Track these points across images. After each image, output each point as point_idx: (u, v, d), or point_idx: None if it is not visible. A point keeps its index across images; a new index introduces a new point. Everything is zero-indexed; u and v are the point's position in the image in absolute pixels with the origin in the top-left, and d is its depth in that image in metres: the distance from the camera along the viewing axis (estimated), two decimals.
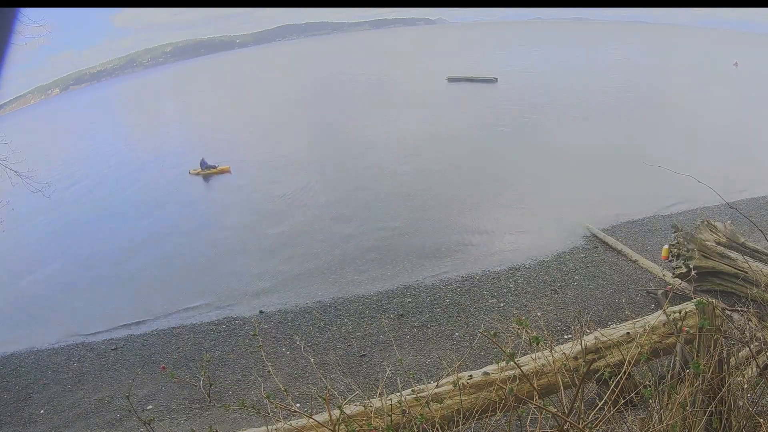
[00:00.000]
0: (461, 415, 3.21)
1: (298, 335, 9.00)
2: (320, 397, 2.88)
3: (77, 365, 9.11)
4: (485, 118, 27.69)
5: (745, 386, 3.10)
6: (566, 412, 2.51)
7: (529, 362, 3.70)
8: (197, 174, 21.83)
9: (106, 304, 11.60)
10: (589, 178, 17.02)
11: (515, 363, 2.59)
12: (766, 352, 3.73)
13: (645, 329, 3.82)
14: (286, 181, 19.38)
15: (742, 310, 4.56)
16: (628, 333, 4.03)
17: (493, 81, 40.45)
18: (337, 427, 2.66)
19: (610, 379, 2.57)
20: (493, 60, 57.93)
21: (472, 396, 3.63)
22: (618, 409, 2.53)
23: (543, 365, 3.47)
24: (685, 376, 2.93)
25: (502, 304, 9.43)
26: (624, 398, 2.60)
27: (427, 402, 3.20)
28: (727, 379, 2.95)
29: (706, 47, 70.61)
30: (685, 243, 8.57)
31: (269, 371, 4.12)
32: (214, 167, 21.74)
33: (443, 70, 46.69)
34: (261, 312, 10.23)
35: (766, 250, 8.28)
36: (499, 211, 14.75)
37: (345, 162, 21.45)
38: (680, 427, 2.59)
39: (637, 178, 15.59)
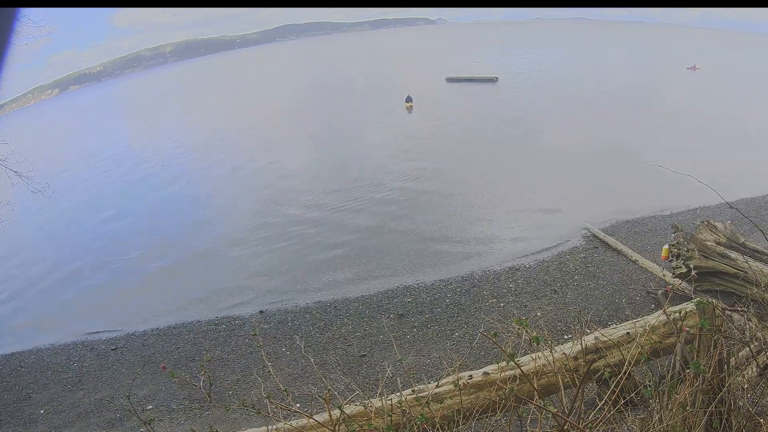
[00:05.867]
0: (461, 415, 3.21)
1: (298, 335, 9.00)
2: (320, 397, 2.88)
3: (77, 365, 9.11)
4: (485, 117, 27.70)
5: (745, 386, 3.10)
6: (566, 412, 2.51)
7: (529, 362, 3.70)
8: (410, 107, 31.41)
9: (109, 304, 11.62)
10: (589, 177, 17.04)
11: (515, 363, 2.59)
12: (766, 352, 3.73)
13: (645, 329, 3.82)
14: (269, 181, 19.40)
15: (742, 310, 4.56)
16: (628, 333, 4.03)
17: (493, 81, 40.38)
18: (337, 427, 2.66)
19: (610, 379, 2.57)
20: (493, 60, 57.94)
21: (473, 396, 3.63)
22: (618, 409, 2.54)
23: (543, 365, 3.47)
24: (685, 376, 2.93)
25: (502, 304, 9.42)
26: (624, 398, 2.60)
27: (427, 402, 3.20)
28: (727, 379, 2.94)
29: (704, 47, 70.62)
30: (685, 243, 8.57)
31: (269, 371, 4.14)
32: (411, 101, 31.86)
33: (442, 70, 46.68)
34: (261, 312, 10.22)
35: (766, 250, 8.28)
36: (499, 211, 14.74)
37: (345, 162, 21.46)
38: (680, 427, 2.59)
39: (637, 178, 15.61)
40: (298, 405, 6.09)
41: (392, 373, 5.37)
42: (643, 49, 67.84)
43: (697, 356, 3.17)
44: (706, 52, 60.96)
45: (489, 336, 2.61)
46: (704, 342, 3.24)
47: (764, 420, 2.74)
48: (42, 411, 7.90)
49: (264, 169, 21.72)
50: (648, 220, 12.94)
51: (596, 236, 12.09)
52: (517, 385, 3.09)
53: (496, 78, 40.57)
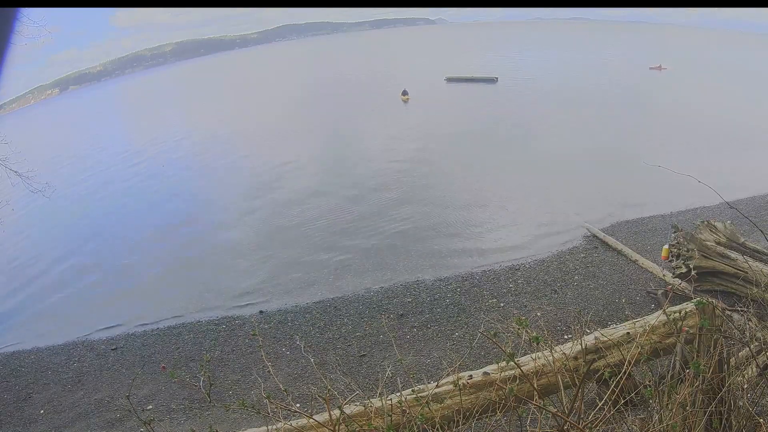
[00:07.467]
0: (461, 415, 3.20)
1: (298, 335, 9.00)
2: (320, 397, 2.88)
3: (77, 365, 9.11)
4: (485, 117, 27.71)
5: (745, 386, 3.10)
6: (566, 412, 2.51)
7: (529, 362, 3.69)
8: (406, 99, 34.19)
9: (108, 303, 11.62)
10: (588, 177, 17.04)
11: (515, 363, 2.59)
12: (766, 352, 3.73)
13: (645, 329, 3.82)
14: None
15: (742, 310, 4.57)
16: (628, 333, 4.02)
17: (493, 81, 40.37)
18: (337, 427, 2.66)
19: (610, 379, 2.57)
20: (492, 60, 57.94)
21: (472, 396, 3.63)
22: (618, 409, 2.54)
23: (543, 365, 3.47)
24: (685, 376, 2.93)
25: (502, 304, 9.42)
26: (624, 398, 2.60)
27: (427, 402, 3.20)
28: (727, 379, 2.95)
29: (701, 47, 70.69)
30: (685, 243, 8.57)
31: (269, 371, 4.14)
32: (407, 95, 34.53)
33: (442, 70, 46.67)
34: (261, 312, 10.22)
35: (766, 250, 8.28)
36: (499, 211, 14.75)
37: (344, 161, 21.46)
38: (680, 427, 2.59)
39: (637, 178, 15.60)
40: (298, 405, 6.09)
41: (392, 373, 5.37)
42: (641, 49, 67.82)
43: (697, 356, 3.17)
44: (703, 52, 61.01)
45: (489, 336, 2.61)
46: (704, 342, 3.24)
47: (764, 420, 2.74)
48: (42, 411, 7.90)
49: (264, 169, 21.71)
50: (648, 220, 12.94)
51: (596, 236, 12.09)
52: (517, 385, 3.08)
53: (496, 78, 40.55)
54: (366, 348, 8.43)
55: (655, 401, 2.80)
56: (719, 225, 9.02)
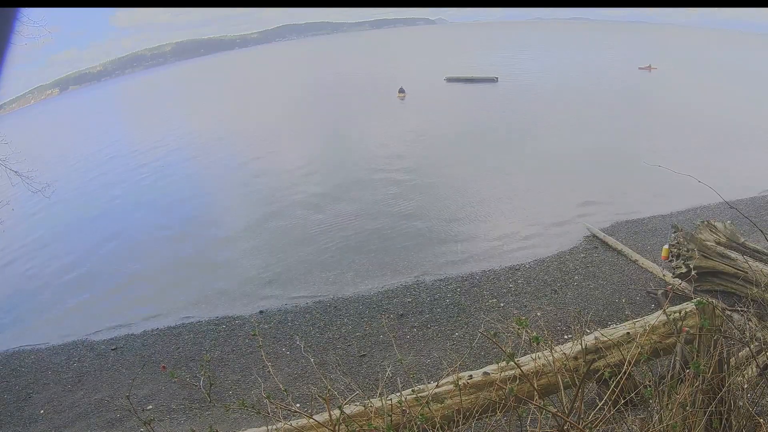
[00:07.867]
0: (461, 415, 3.20)
1: (298, 335, 8.99)
2: (320, 397, 2.88)
3: (77, 365, 9.11)
4: (484, 117, 27.71)
5: (745, 386, 3.11)
6: (566, 412, 2.51)
7: (529, 362, 3.70)
8: (402, 97, 35.60)
9: (107, 303, 11.62)
10: (588, 177, 17.04)
11: (515, 363, 2.59)
12: (766, 352, 3.73)
13: (645, 329, 3.82)
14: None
15: (742, 310, 4.57)
16: (628, 333, 4.03)
17: (493, 81, 40.37)
18: (337, 427, 2.66)
19: (610, 379, 2.57)
20: (492, 60, 57.95)
21: (472, 396, 3.63)
22: (618, 409, 2.53)
23: (543, 365, 3.47)
24: (685, 376, 2.93)
25: (502, 304, 9.42)
26: (624, 398, 2.60)
27: (427, 402, 3.20)
28: (727, 379, 2.95)
29: (700, 47, 70.69)
30: (685, 243, 8.56)
31: (269, 371, 4.14)
32: (403, 92, 36.08)
33: (442, 70, 46.67)
34: (261, 312, 10.22)
35: (766, 250, 8.28)
36: (499, 211, 14.75)
37: (344, 161, 21.46)
38: (680, 427, 2.59)
39: (637, 178, 15.61)
40: (298, 405, 6.09)
41: (392, 373, 5.37)
42: (641, 49, 67.83)
43: (697, 356, 3.18)
44: (703, 53, 61.00)
45: (489, 336, 2.61)
46: (704, 342, 3.24)
47: (764, 420, 2.74)
48: (42, 411, 7.90)
49: (264, 168, 21.72)
50: (648, 220, 12.94)
51: (596, 236, 12.09)
52: (517, 385, 3.08)
53: (496, 78, 40.56)
54: (366, 348, 8.43)
55: (655, 401, 2.80)
56: (719, 225, 9.02)
